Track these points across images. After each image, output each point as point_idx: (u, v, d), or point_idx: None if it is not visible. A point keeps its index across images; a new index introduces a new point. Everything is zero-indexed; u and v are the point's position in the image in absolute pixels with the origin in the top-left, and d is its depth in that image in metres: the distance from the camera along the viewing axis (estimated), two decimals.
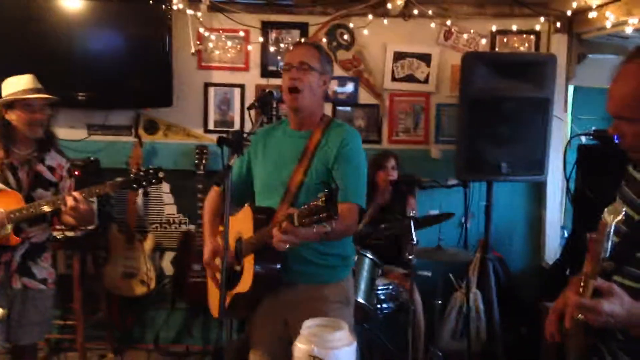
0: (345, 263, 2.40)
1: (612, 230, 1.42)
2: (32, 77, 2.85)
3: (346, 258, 2.41)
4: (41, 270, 2.90)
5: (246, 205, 2.36)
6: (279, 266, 2.22)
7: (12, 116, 2.77)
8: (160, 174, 2.74)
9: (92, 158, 4.17)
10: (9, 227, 2.70)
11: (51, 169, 2.89)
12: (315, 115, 2.38)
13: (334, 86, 4.34)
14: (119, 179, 2.75)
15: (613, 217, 1.43)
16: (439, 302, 3.63)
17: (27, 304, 2.85)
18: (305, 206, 1.85)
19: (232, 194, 2.47)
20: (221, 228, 2.39)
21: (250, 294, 2.23)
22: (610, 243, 1.42)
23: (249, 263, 2.23)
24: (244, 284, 2.23)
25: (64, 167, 2.95)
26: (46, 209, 2.70)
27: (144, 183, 2.74)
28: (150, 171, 2.74)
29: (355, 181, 2.28)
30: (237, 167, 2.47)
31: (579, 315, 1.45)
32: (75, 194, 2.66)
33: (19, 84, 2.80)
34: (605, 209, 1.45)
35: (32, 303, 2.86)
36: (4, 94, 2.80)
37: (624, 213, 1.43)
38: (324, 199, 1.77)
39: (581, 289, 1.46)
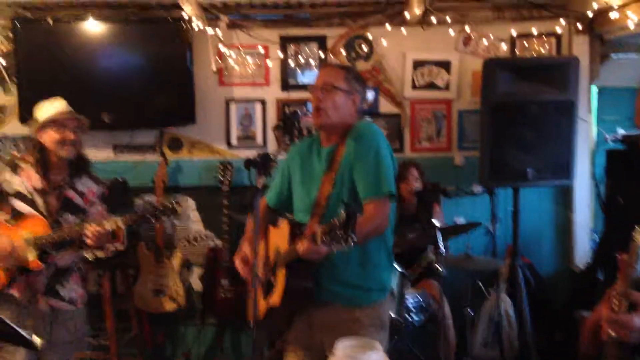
0: (382, 286, 2.38)
1: None
2: (64, 102, 2.92)
3: (382, 280, 2.39)
4: (69, 291, 2.92)
5: (285, 219, 2.39)
6: (309, 284, 2.22)
7: (46, 138, 2.82)
8: (178, 208, 2.78)
9: (119, 178, 4.22)
10: (34, 253, 2.76)
11: (81, 195, 2.94)
12: (342, 130, 2.39)
13: None
14: (132, 214, 2.80)
15: None
16: (470, 311, 3.59)
17: (55, 325, 2.87)
18: (328, 224, 1.89)
19: (278, 208, 2.61)
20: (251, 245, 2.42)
21: (281, 308, 2.25)
22: None
23: (281, 277, 2.24)
24: (276, 298, 2.25)
25: (96, 192, 2.99)
26: (68, 238, 2.76)
27: (162, 217, 2.80)
28: (169, 206, 2.78)
29: (377, 173, 2.24)
30: (278, 182, 2.59)
31: (611, 332, 1.45)
32: (92, 229, 2.72)
33: (52, 108, 2.86)
34: (636, 227, 1.43)
35: (61, 324, 2.89)
36: (38, 119, 2.85)
37: None
38: (342, 219, 1.80)
39: (616, 307, 1.45)
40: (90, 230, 2.71)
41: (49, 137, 2.83)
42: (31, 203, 2.81)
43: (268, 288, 2.35)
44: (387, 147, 2.34)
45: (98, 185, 3.02)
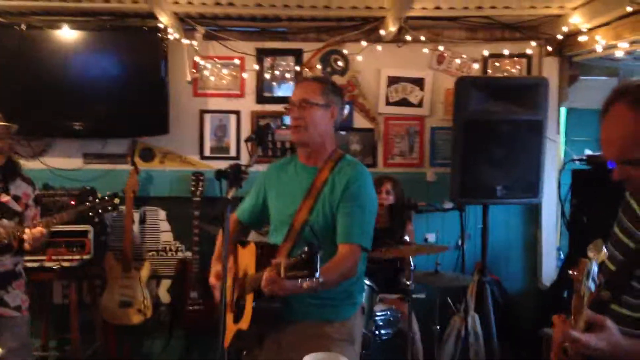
0: (351, 301, 2.37)
1: (592, 268, 1.43)
2: None
3: (352, 295, 2.37)
4: (14, 298, 2.92)
5: (252, 242, 2.36)
6: (278, 305, 2.18)
7: None
8: (116, 200, 2.90)
9: (88, 187, 4.16)
10: None
11: (16, 198, 2.92)
12: (324, 149, 2.37)
13: None
14: (74, 209, 2.84)
15: (594, 255, 1.44)
16: (437, 327, 3.60)
17: (1, 331, 2.85)
18: (292, 259, 1.87)
19: (250, 224, 2.59)
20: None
21: (250, 332, 2.21)
22: (591, 280, 1.43)
23: (249, 301, 2.21)
24: (244, 321, 2.22)
25: (31, 195, 2.98)
26: (6, 241, 2.76)
27: (100, 211, 2.88)
28: (106, 198, 2.87)
29: (360, 221, 2.24)
30: (253, 198, 2.54)
31: (566, 344, 1.48)
32: (34, 231, 2.73)
33: None
34: (589, 245, 1.46)
35: (8, 330, 2.87)
36: None
37: (605, 251, 1.44)
38: (305, 256, 1.78)
39: (573, 322, 1.47)
40: (28, 234, 2.72)
41: None
42: None
43: (239, 309, 2.30)
44: (373, 197, 2.34)
45: (32, 187, 3.02)
